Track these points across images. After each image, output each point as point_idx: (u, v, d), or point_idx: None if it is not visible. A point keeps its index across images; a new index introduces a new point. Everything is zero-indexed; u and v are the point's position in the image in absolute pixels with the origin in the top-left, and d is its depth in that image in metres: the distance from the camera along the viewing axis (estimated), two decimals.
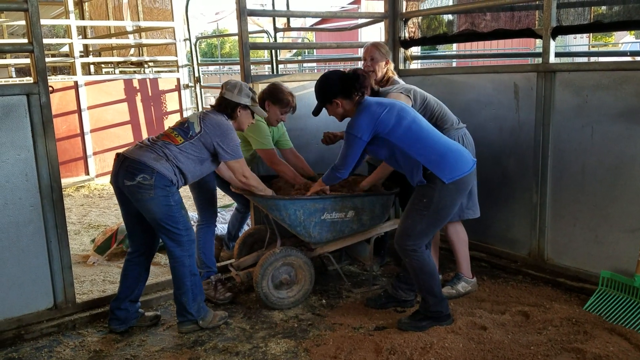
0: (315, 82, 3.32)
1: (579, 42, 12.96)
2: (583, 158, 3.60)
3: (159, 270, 4.22)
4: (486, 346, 2.93)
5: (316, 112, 3.36)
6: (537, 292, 3.65)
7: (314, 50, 17.66)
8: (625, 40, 14.41)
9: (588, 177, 3.59)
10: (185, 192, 4.06)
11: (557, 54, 3.85)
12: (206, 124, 3.21)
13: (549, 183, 3.80)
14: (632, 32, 13.68)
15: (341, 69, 3.37)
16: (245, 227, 4.46)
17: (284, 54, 15.04)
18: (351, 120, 3.19)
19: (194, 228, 3.64)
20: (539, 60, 3.82)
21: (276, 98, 3.71)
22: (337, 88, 3.21)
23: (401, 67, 4.75)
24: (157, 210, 3.08)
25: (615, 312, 3.22)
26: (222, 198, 5.15)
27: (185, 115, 8.26)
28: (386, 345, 2.97)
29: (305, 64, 14.91)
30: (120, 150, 3.21)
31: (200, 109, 8.10)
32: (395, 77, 3.92)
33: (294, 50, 18.68)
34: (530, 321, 3.22)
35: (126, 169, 3.06)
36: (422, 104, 3.57)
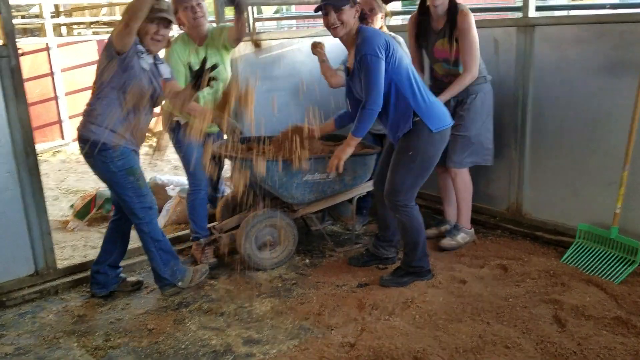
0: (293, 39, 3.21)
1: None
2: (561, 113, 3.61)
3: None
4: (466, 299, 3.00)
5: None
6: (515, 246, 3.72)
7: (292, 6, 17.25)
8: None
9: (566, 132, 3.61)
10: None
11: (538, 8, 3.80)
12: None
13: (528, 138, 3.82)
14: None
15: None
16: (226, 190, 4.43)
17: (267, 11, 14.64)
18: (361, 43, 2.91)
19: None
20: (519, 14, 3.78)
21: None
22: None
23: None
24: (103, 178, 3.05)
25: (592, 263, 3.29)
26: None
27: None
28: (369, 301, 3.03)
29: (283, 22, 14.58)
30: None
31: None
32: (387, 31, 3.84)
33: (276, 8, 18.24)
34: (508, 274, 3.29)
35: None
36: None
